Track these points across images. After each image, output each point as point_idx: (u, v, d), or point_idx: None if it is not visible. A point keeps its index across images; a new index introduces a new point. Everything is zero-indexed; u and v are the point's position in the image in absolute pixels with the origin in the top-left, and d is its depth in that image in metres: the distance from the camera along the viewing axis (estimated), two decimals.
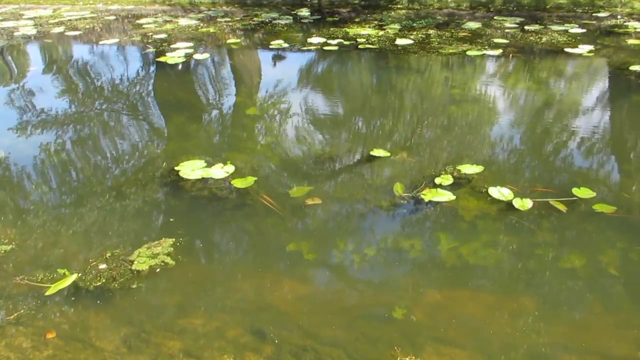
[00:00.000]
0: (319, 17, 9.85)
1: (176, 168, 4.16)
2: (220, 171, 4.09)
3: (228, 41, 8.42)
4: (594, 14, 9.33)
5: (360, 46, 7.68)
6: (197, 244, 3.41)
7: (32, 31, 9.33)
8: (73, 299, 2.94)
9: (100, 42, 8.57)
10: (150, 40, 8.40)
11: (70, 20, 10.10)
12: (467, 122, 5.16)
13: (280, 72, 6.95)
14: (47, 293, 2.93)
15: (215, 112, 5.75)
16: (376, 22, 9.22)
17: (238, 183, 3.95)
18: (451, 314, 2.80)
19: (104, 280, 3.02)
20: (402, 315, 2.79)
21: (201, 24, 9.47)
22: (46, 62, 8.01)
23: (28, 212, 3.79)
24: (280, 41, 8.07)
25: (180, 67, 7.12)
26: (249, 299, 2.95)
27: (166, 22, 9.74)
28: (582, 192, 3.69)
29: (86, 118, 5.55)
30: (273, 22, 9.53)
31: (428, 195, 3.72)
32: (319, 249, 3.34)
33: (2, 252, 3.30)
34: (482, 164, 4.13)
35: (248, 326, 2.76)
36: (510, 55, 7.18)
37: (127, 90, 6.55)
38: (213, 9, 10.72)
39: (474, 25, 8.87)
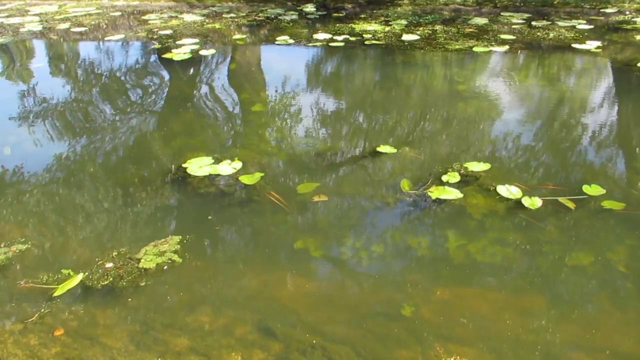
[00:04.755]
0: (325, 12, 9.83)
1: (184, 165, 4.16)
2: (227, 167, 4.09)
3: (234, 37, 8.40)
4: (601, 10, 9.27)
5: (366, 42, 7.65)
6: (204, 240, 3.41)
7: (37, 27, 9.34)
8: (81, 297, 2.94)
9: (105, 38, 8.57)
10: (155, 37, 8.39)
11: (75, 16, 10.11)
12: (474, 118, 5.13)
13: (286, 68, 6.93)
14: (55, 294, 2.92)
15: (221, 109, 5.74)
16: (382, 18, 9.19)
17: (245, 179, 3.94)
18: (460, 312, 2.79)
19: (111, 279, 3.02)
20: (410, 312, 2.78)
21: (207, 20, 9.46)
22: (52, 58, 8.01)
23: (32, 209, 3.80)
24: (285, 37, 8.05)
25: (186, 63, 7.11)
26: (257, 296, 2.95)
27: (171, 18, 9.74)
28: (592, 190, 3.67)
29: (92, 115, 5.55)
30: (278, 17, 9.51)
31: (435, 192, 3.71)
32: (326, 246, 3.33)
33: (17, 251, 3.29)
34: (489, 161, 4.11)
35: (256, 323, 2.75)
36: (518, 52, 7.15)
37: (133, 86, 6.54)
38: (218, 4, 10.70)
39: (480, 21, 8.83)
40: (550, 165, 4.22)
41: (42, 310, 2.84)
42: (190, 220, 3.63)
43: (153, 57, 7.58)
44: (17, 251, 3.29)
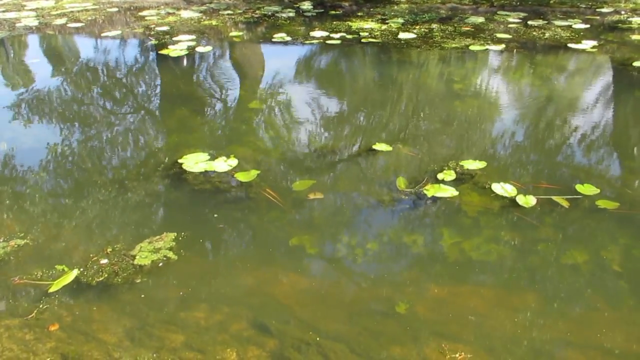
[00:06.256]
0: (322, 10, 9.82)
1: (179, 161, 4.16)
2: (223, 164, 4.09)
3: (230, 34, 8.40)
4: (597, 10, 9.30)
5: (363, 40, 7.65)
6: (200, 237, 3.41)
7: (34, 22, 9.31)
8: (76, 293, 2.94)
9: (102, 34, 8.55)
10: (152, 33, 8.38)
11: (72, 11, 10.07)
12: (470, 117, 5.15)
13: (283, 66, 6.93)
14: (50, 290, 2.92)
15: (218, 106, 5.74)
16: (379, 16, 9.19)
17: (241, 176, 3.94)
18: (454, 309, 2.80)
19: (106, 275, 3.02)
20: (405, 310, 2.79)
21: (203, 17, 9.44)
22: (48, 54, 7.99)
23: (27, 205, 3.79)
24: (282, 34, 8.04)
25: (182, 60, 7.11)
26: (252, 293, 2.96)
27: (168, 14, 9.72)
28: (586, 189, 3.69)
29: (88, 111, 5.54)
30: (275, 15, 9.50)
31: (431, 190, 3.72)
32: (321, 243, 3.34)
33: (16, 246, 3.29)
34: (485, 159, 4.12)
35: (251, 320, 2.76)
36: (514, 51, 7.16)
37: (130, 83, 6.54)
38: (215, 1, 10.69)
39: (477, 19, 8.84)
40: (545, 164, 4.24)
41: (41, 306, 2.84)
42: (185, 216, 3.63)
43: (149, 53, 7.57)
44: (16, 246, 3.29)
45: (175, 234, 3.37)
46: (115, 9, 10.24)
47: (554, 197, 3.63)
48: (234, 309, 2.83)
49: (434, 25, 8.48)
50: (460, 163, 4.08)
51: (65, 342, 2.64)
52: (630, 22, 8.49)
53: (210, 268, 3.18)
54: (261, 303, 2.88)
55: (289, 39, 7.90)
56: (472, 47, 7.19)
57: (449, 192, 3.71)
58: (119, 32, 8.62)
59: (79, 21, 9.31)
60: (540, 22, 8.59)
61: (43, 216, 3.65)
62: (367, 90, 6.08)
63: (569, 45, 7.24)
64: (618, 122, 5.15)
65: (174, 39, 7.89)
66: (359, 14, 9.48)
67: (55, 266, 3.09)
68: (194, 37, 8.00)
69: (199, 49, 7.42)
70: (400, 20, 8.87)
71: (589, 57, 6.97)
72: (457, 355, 2.50)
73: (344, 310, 2.82)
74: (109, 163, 4.37)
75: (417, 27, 8.39)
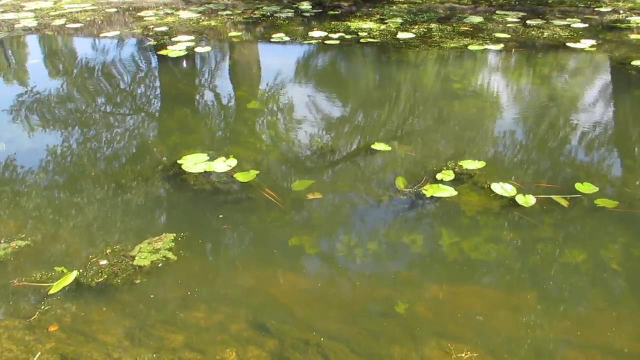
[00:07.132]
0: (321, 10, 9.82)
1: (179, 162, 4.16)
2: (223, 165, 4.09)
3: (230, 34, 8.40)
4: (596, 9, 9.30)
5: (362, 40, 7.65)
6: (199, 238, 3.41)
7: (33, 23, 9.31)
8: (75, 295, 2.94)
9: (101, 35, 8.55)
10: (151, 34, 8.38)
11: (71, 12, 10.07)
12: (469, 117, 5.15)
13: (282, 66, 6.93)
14: (50, 292, 2.92)
15: (217, 106, 5.74)
16: (378, 17, 9.20)
17: (241, 177, 3.95)
18: (454, 309, 2.80)
19: (105, 277, 3.02)
20: (405, 309, 2.79)
21: (202, 18, 9.44)
22: (47, 55, 7.99)
23: (27, 207, 3.79)
24: (281, 35, 8.05)
25: (181, 60, 7.10)
26: (252, 293, 2.96)
27: (167, 15, 9.72)
28: (585, 188, 3.69)
29: (87, 112, 5.54)
30: (274, 15, 9.50)
31: (430, 190, 3.72)
32: (321, 243, 3.34)
33: (16, 247, 3.29)
34: (484, 159, 4.12)
35: (251, 320, 2.76)
36: (513, 50, 7.17)
37: (129, 83, 6.54)
38: (214, 2, 10.69)
39: (475, 19, 8.85)
40: (545, 164, 4.24)
41: (42, 308, 2.84)
42: (185, 217, 3.63)
43: (149, 54, 7.57)
44: (16, 247, 3.29)
45: (175, 234, 3.37)
46: (114, 10, 10.24)
47: (554, 197, 3.64)
48: (234, 309, 2.84)
49: (432, 25, 8.48)
50: (460, 163, 4.08)
51: (65, 342, 2.64)
52: (628, 22, 8.49)
53: (210, 268, 3.18)
54: (261, 303, 2.88)
55: (287, 39, 7.90)
56: (471, 47, 7.19)
57: (448, 192, 3.71)
58: (117, 32, 8.62)
59: (78, 22, 9.31)
60: (539, 21, 8.59)
61: (43, 218, 3.65)
62: (366, 91, 6.08)
63: (568, 44, 7.25)
64: (616, 121, 5.15)
65: (173, 39, 7.89)
66: (358, 14, 9.48)
67: (55, 268, 3.09)
68: (193, 37, 7.99)
69: (198, 50, 7.41)
70: (399, 20, 8.87)
71: (588, 56, 6.97)
72: (463, 355, 2.51)
73: (344, 310, 2.82)
74: (108, 164, 4.36)
75: (416, 27, 8.39)
